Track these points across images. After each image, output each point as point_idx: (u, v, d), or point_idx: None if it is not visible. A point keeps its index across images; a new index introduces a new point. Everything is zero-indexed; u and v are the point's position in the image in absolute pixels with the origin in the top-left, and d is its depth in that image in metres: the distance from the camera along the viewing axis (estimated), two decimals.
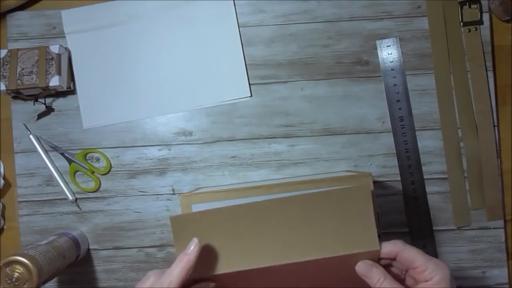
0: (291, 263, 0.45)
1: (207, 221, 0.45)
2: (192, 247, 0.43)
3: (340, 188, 0.46)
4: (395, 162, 0.62)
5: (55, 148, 0.62)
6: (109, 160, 0.62)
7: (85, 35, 0.63)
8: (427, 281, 0.42)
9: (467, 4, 0.62)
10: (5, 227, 0.64)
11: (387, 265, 0.46)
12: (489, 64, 0.62)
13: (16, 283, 0.48)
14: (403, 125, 0.62)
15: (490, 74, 0.62)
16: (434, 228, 0.62)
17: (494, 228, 0.62)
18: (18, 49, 0.60)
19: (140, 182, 0.63)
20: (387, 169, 0.62)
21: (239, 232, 0.45)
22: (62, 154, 0.62)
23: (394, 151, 0.62)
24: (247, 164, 0.62)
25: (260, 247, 0.45)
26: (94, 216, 0.62)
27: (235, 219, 0.45)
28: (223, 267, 0.45)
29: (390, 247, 0.44)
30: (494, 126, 0.62)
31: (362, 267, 0.44)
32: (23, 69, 0.59)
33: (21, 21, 0.63)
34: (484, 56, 0.62)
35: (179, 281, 0.42)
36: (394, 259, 0.45)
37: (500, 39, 0.63)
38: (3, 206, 0.63)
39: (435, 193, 0.62)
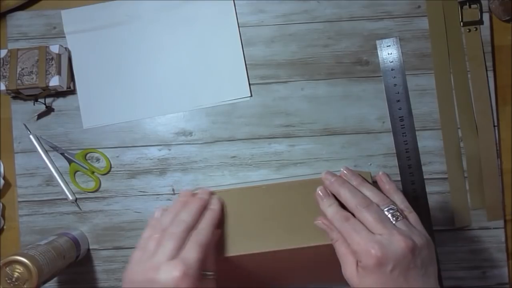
0: (291, 248, 0.46)
1: None
2: (214, 202, 0.46)
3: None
4: (395, 162, 0.62)
5: (55, 148, 0.62)
6: (109, 160, 0.62)
7: (85, 35, 0.63)
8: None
9: (467, 4, 0.62)
10: (5, 227, 0.64)
11: None
12: (489, 64, 0.62)
13: (16, 283, 0.48)
14: (403, 125, 0.62)
15: (490, 74, 0.62)
16: (434, 228, 0.61)
17: (494, 228, 0.62)
18: (18, 49, 0.60)
19: (140, 182, 0.62)
20: (387, 169, 0.62)
21: (243, 216, 0.47)
22: (62, 154, 0.62)
23: (394, 151, 0.62)
24: (247, 164, 0.62)
25: (263, 232, 0.47)
26: (94, 216, 0.62)
27: (240, 202, 0.47)
28: (227, 251, 0.46)
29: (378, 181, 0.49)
30: (494, 126, 0.62)
31: (318, 193, 0.47)
32: (23, 69, 0.59)
33: (21, 21, 0.63)
34: (484, 56, 0.62)
35: (209, 233, 0.44)
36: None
37: (500, 39, 0.63)
38: (3, 206, 0.63)
39: (435, 193, 0.62)
